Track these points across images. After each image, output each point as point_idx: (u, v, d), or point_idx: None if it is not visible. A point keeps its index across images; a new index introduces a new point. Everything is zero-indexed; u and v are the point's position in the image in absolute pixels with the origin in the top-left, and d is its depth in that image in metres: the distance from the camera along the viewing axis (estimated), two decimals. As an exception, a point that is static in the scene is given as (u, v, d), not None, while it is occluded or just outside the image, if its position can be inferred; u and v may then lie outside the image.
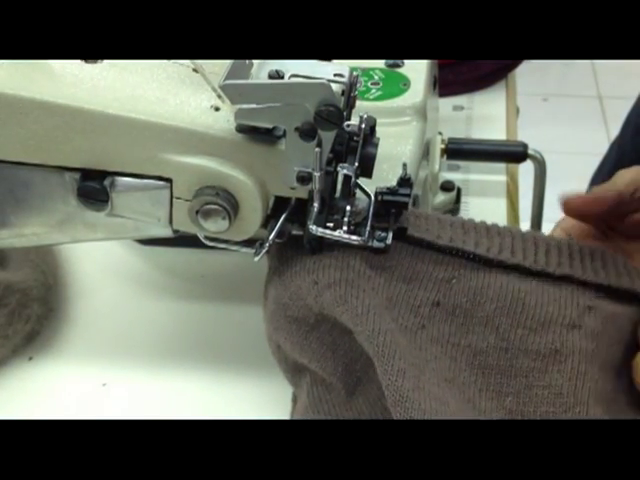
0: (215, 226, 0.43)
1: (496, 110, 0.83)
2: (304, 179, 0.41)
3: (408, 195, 0.44)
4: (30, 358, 0.58)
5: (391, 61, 0.60)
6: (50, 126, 0.41)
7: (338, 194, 0.44)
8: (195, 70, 0.43)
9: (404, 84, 0.58)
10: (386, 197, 0.44)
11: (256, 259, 0.44)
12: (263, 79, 0.41)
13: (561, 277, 0.46)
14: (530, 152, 0.70)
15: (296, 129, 0.39)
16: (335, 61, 0.43)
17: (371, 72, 0.59)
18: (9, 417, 0.53)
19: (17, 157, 0.43)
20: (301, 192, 0.42)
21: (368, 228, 0.43)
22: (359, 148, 0.42)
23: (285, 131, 0.40)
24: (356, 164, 0.42)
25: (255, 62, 0.43)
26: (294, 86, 0.39)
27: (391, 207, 0.44)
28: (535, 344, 0.46)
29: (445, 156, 0.69)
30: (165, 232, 0.45)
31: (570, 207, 0.49)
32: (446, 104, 0.81)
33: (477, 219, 0.48)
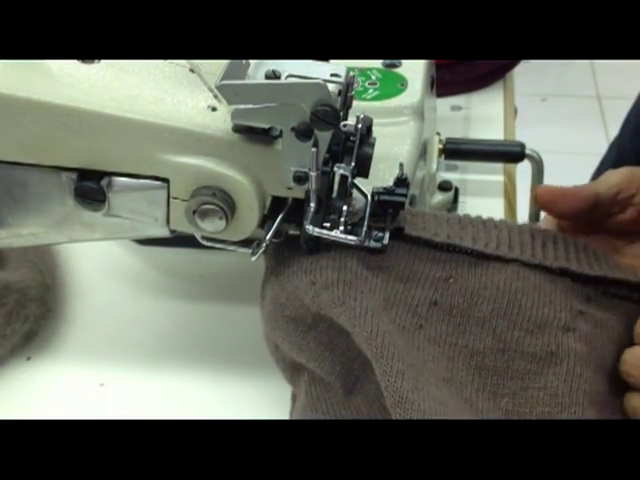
0: (212, 226, 0.43)
1: (494, 110, 0.83)
2: (301, 179, 0.41)
3: (405, 195, 0.44)
4: (28, 358, 0.58)
5: (388, 61, 0.60)
6: (47, 126, 0.41)
7: (335, 194, 0.44)
8: (192, 70, 0.43)
9: (401, 84, 0.58)
10: (383, 197, 0.44)
11: (253, 259, 0.44)
12: (260, 79, 0.41)
13: (559, 271, 0.47)
14: (527, 152, 0.70)
15: (292, 129, 0.40)
16: (333, 61, 0.44)
17: (368, 72, 0.60)
18: (7, 417, 0.53)
19: (14, 157, 0.43)
20: (298, 192, 0.42)
21: (365, 228, 0.43)
22: (355, 148, 0.42)
23: (282, 131, 0.40)
24: (353, 164, 0.42)
25: (252, 62, 0.43)
26: (290, 86, 0.39)
27: (388, 207, 0.44)
28: (531, 346, 0.46)
29: (443, 156, 0.69)
30: (162, 232, 0.45)
31: (543, 199, 0.50)
32: (444, 104, 0.82)
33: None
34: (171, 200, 0.43)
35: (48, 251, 0.64)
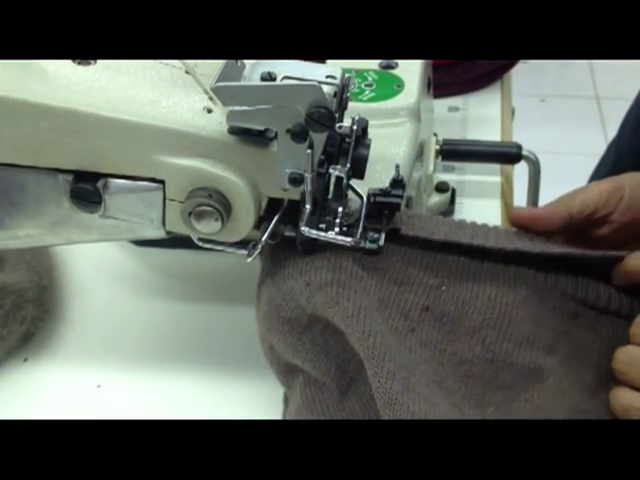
0: (208, 227, 0.43)
1: (491, 111, 0.83)
2: (296, 181, 0.41)
3: (400, 196, 0.44)
4: (25, 359, 0.58)
5: (385, 63, 0.60)
6: (43, 128, 0.41)
7: (330, 195, 0.44)
8: (187, 72, 0.43)
9: (398, 86, 0.58)
10: (378, 198, 0.44)
11: (249, 260, 0.44)
12: (255, 81, 0.41)
13: (549, 267, 0.47)
14: (524, 153, 0.70)
15: (288, 131, 0.40)
16: (330, 61, 0.44)
17: (365, 74, 0.60)
18: (4, 418, 0.53)
19: (10, 159, 0.43)
20: (293, 194, 0.43)
21: (360, 229, 0.43)
22: (351, 150, 0.42)
23: (277, 133, 0.40)
24: (348, 165, 0.42)
25: (247, 64, 0.43)
26: (285, 88, 0.39)
27: (383, 208, 0.44)
28: (520, 358, 0.46)
29: (440, 157, 0.69)
30: (158, 233, 0.45)
31: (515, 223, 0.49)
32: (441, 105, 0.82)
33: (472, 220, 0.48)
34: (167, 202, 0.43)
35: (45, 253, 0.64)
